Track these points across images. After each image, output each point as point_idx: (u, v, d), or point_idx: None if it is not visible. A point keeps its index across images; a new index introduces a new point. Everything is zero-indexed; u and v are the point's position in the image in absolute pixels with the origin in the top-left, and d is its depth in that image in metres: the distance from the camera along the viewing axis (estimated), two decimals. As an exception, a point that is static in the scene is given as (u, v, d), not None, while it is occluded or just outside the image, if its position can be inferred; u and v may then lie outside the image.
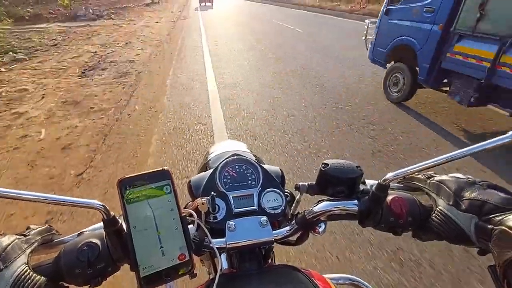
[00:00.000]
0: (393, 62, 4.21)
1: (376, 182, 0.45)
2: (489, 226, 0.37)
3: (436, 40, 3.38)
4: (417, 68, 3.72)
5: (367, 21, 4.82)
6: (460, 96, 3.22)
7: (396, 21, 4.04)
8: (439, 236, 0.43)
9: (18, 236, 0.38)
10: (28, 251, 0.38)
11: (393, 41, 4.08)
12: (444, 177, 0.46)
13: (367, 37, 4.79)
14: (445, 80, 3.55)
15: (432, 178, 0.47)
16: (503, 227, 0.34)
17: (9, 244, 0.36)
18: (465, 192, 0.41)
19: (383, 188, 0.44)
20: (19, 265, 0.35)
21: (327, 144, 3.02)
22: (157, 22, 12.80)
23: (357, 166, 0.51)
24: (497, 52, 2.73)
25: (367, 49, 4.76)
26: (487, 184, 0.42)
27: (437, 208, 0.43)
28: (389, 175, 0.42)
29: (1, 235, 0.37)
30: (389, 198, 0.46)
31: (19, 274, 0.34)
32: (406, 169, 0.41)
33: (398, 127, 3.41)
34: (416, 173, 0.48)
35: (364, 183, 0.52)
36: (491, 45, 2.81)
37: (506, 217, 0.35)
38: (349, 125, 3.45)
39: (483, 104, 3.14)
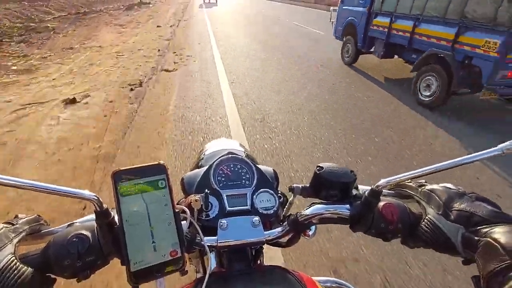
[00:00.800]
0: (347, 36, 5.97)
1: (369, 188, 0.46)
2: (475, 238, 0.37)
3: (365, 18, 5.13)
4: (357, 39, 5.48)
5: (331, 8, 6.59)
6: (377, 52, 4.99)
7: (347, 7, 5.79)
8: (427, 244, 0.43)
9: (5, 225, 0.37)
10: (15, 240, 0.36)
11: (345, 21, 5.83)
12: (435, 186, 0.47)
13: (331, 20, 6.55)
14: (374, 47, 5.29)
15: (423, 187, 0.48)
16: (489, 239, 0.35)
17: None
18: (454, 203, 0.42)
19: (375, 194, 0.44)
20: (5, 255, 0.33)
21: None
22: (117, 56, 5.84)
23: (351, 171, 0.51)
24: (389, 22, 4.49)
25: (333, 28, 6.52)
26: (475, 196, 0.42)
27: (427, 217, 0.44)
28: (382, 181, 0.43)
29: None
30: (381, 204, 0.46)
31: (4, 264, 0.32)
32: (399, 176, 0.42)
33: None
34: (408, 181, 0.50)
35: (356, 188, 0.52)
36: (388, 18, 4.55)
37: (492, 229, 0.36)
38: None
39: (390, 56, 4.88)
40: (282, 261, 1.61)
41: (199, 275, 0.73)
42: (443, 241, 0.41)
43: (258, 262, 0.59)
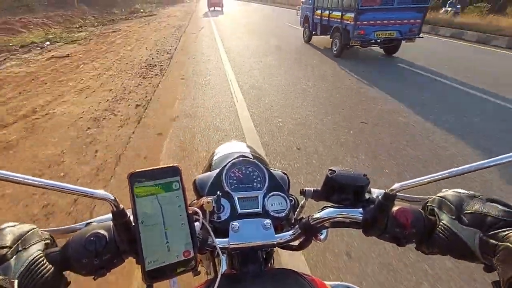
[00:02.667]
0: (305, 24, 9.32)
1: (382, 191, 0.45)
2: (494, 242, 0.36)
3: (313, 11, 8.48)
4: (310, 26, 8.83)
5: (297, 7, 10.00)
6: (317, 32, 8.34)
7: (304, 5, 9.16)
8: (443, 250, 0.42)
9: (37, 227, 0.40)
10: (46, 240, 0.39)
11: (303, 14, 9.20)
12: (445, 192, 0.46)
13: (297, 15, 9.95)
14: (318, 31, 8.58)
15: (434, 195, 0.47)
16: (508, 244, 0.34)
17: (30, 230, 0.38)
18: (466, 206, 0.42)
19: (389, 198, 0.44)
20: (36, 250, 0.36)
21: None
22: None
23: (364, 175, 0.50)
24: (320, 12, 7.85)
25: (299, 20, 9.89)
26: (486, 198, 0.42)
27: (441, 222, 0.43)
28: (396, 185, 0.42)
29: (24, 223, 0.39)
30: (395, 208, 0.45)
31: (34, 258, 0.35)
32: (414, 180, 0.41)
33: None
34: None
35: (369, 192, 0.51)
36: (320, 10, 7.89)
37: (510, 232, 0.35)
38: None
39: (324, 34, 8.18)
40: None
41: (209, 277, 0.75)
42: (460, 247, 0.40)
43: (269, 265, 0.61)
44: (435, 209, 0.45)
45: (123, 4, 23.37)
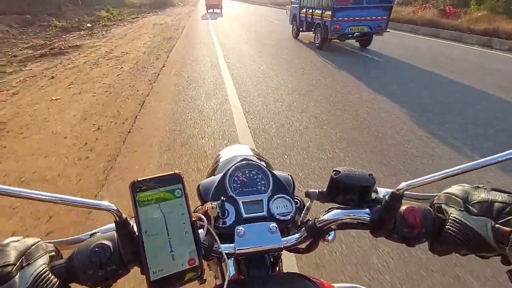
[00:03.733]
0: (293, 22, 10.51)
1: (389, 190, 0.45)
2: (506, 229, 0.36)
3: (299, 10, 9.69)
4: (297, 23, 10.03)
5: (287, 6, 11.22)
6: (303, 28, 9.56)
7: (293, 5, 10.37)
8: (457, 246, 0.42)
9: (42, 240, 0.40)
10: (50, 252, 0.39)
11: (292, 13, 10.41)
12: (449, 189, 0.46)
13: (287, 13, 11.15)
14: (304, 28, 9.78)
15: (439, 193, 0.47)
16: None
17: (34, 244, 0.37)
18: (472, 196, 0.42)
19: (397, 198, 0.43)
20: (41, 264, 0.36)
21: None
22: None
23: (369, 175, 0.49)
24: (305, 11, 9.07)
25: (288, 18, 11.08)
26: (490, 188, 0.42)
27: (450, 217, 0.42)
28: (403, 184, 0.42)
29: (28, 236, 0.38)
30: (403, 208, 0.45)
31: (39, 272, 0.35)
32: (421, 179, 0.41)
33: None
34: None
35: (376, 191, 0.51)
36: (305, 9, 9.10)
37: None
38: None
39: (309, 30, 9.38)
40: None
41: (218, 282, 0.74)
42: (474, 239, 0.39)
43: (277, 268, 0.60)
44: (443, 205, 0.45)
45: (84, 8, 16.55)
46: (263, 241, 0.49)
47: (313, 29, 8.74)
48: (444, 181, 0.40)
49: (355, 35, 7.85)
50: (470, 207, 0.41)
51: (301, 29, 9.87)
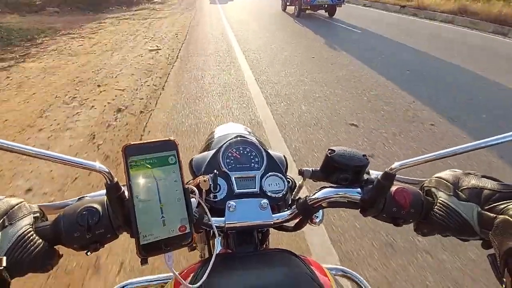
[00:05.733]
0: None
1: (381, 173, 0.46)
2: (491, 215, 0.37)
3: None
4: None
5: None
6: (288, 3, 12.68)
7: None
8: (442, 229, 0.43)
9: (25, 201, 0.39)
10: (35, 213, 0.38)
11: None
12: (441, 173, 0.47)
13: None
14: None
15: (430, 177, 0.48)
16: (506, 216, 0.34)
17: (17, 204, 0.36)
18: (462, 182, 0.43)
19: (389, 177, 0.44)
20: (24, 224, 0.35)
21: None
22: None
23: (363, 155, 0.50)
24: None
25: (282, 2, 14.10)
26: (481, 175, 0.43)
27: (439, 200, 0.43)
28: (396, 164, 0.42)
29: (12, 196, 0.38)
30: (393, 188, 0.46)
31: (22, 233, 0.34)
32: (414, 159, 0.41)
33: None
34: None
35: (368, 173, 0.52)
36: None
37: (508, 205, 0.36)
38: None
39: (292, 5, 12.43)
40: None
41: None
42: (459, 223, 0.40)
43: (264, 246, 0.61)
44: (432, 189, 0.46)
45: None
46: (254, 217, 0.49)
47: (293, 3, 11.87)
48: (432, 167, 0.39)
49: (324, 6, 10.97)
50: (459, 192, 0.42)
51: (288, 4, 12.97)
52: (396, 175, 0.44)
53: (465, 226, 0.41)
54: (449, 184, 0.44)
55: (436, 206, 0.44)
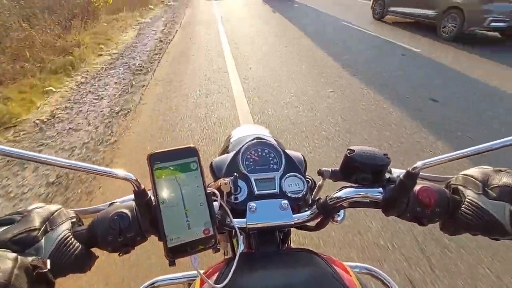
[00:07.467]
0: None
1: (403, 171, 0.44)
2: None
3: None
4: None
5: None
6: None
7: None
8: (470, 228, 0.41)
9: (63, 207, 0.41)
10: (72, 219, 0.40)
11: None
12: (469, 170, 0.44)
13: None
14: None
15: (457, 175, 0.46)
16: None
17: (56, 210, 0.39)
18: (492, 180, 0.40)
19: (412, 176, 0.42)
20: (63, 229, 0.37)
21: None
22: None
23: (384, 154, 0.49)
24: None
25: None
26: None
27: (466, 199, 0.41)
28: (419, 163, 0.41)
29: (50, 203, 0.40)
30: (417, 187, 0.44)
31: (62, 237, 0.36)
32: (438, 158, 0.40)
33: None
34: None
35: (390, 172, 0.50)
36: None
37: None
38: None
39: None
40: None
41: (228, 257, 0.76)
42: (489, 222, 0.39)
43: (286, 245, 0.62)
44: (459, 187, 0.44)
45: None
46: (275, 217, 0.50)
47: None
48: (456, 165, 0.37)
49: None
50: (489, 191, 0.40)
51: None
52: (420, 173, 0.43)
53: (496, 226, 0.39)
54: (477, 182, 0.42)
55: (463, 205, 0.42)
